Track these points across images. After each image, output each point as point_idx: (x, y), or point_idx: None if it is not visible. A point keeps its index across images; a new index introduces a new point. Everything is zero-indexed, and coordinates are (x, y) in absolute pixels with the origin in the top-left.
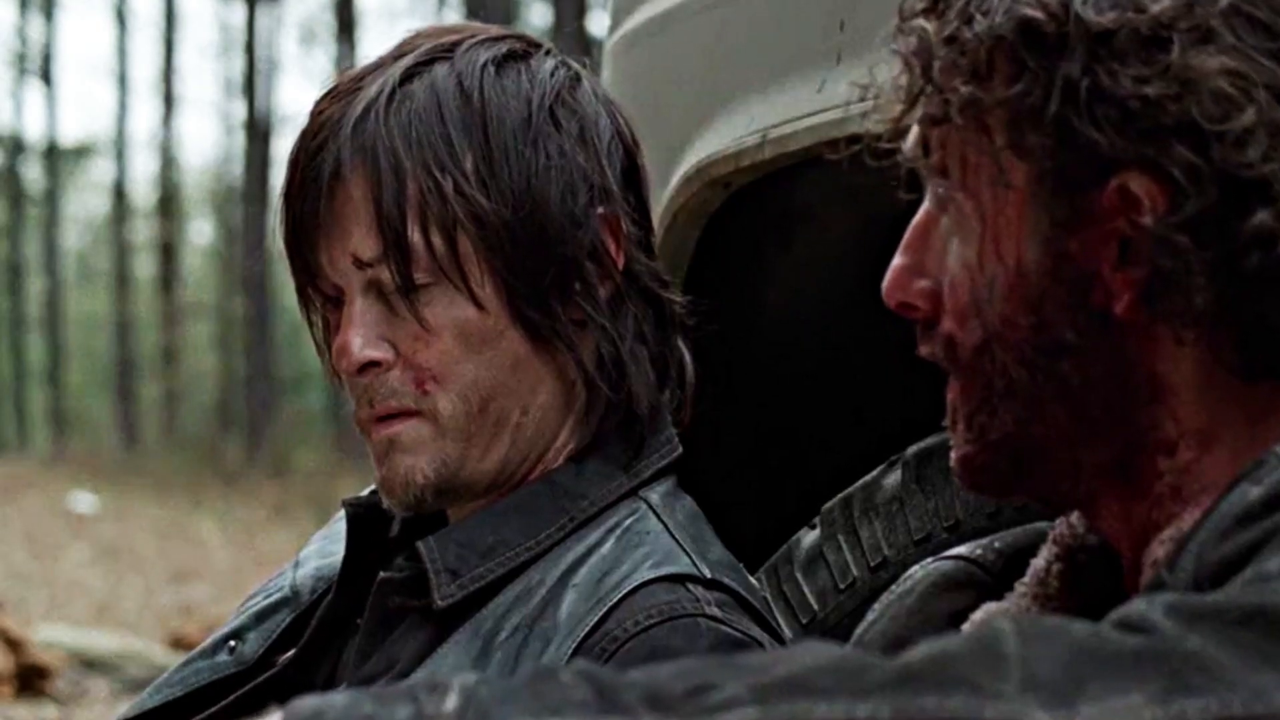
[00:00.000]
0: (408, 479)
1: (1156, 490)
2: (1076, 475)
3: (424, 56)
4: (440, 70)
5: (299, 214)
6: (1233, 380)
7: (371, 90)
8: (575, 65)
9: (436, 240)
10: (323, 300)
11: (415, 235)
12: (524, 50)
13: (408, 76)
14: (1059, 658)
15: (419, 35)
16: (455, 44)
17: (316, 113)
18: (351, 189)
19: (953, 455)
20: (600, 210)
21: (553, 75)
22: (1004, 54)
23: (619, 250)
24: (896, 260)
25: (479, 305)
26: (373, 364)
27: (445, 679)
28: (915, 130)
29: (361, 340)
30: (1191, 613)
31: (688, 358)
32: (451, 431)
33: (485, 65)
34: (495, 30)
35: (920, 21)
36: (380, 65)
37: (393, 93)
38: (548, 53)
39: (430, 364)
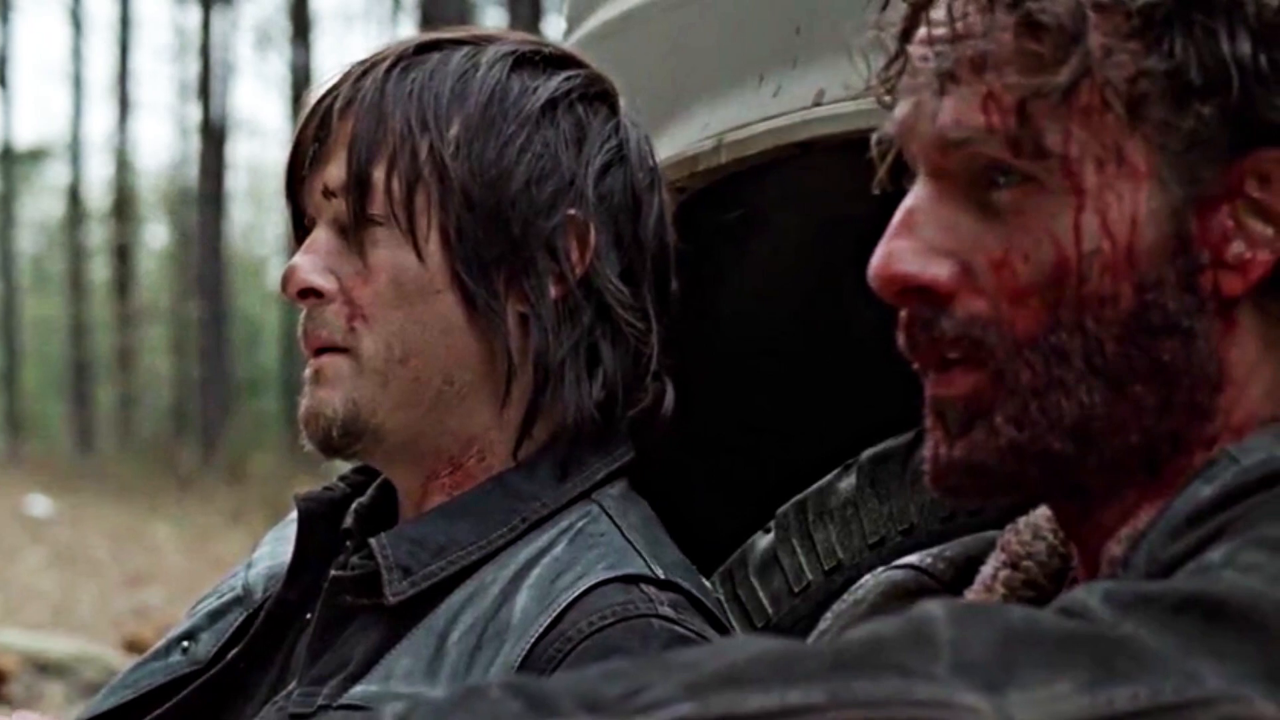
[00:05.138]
0: (319, 411)
1: (1179, 485)
2: (1124, 465)
3: (457, 36)
4: (463, 50)
5: (296, 150)
6: (1278, 374)
7: (390, 52)
8: (616, 106)
9: (396, 185)
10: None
11: (378, 174)
12: (557, 62)
13: (430, 47)
14: (990, 640)
15: (483, 29)
16: (496, 38)
17: (338, 75)
18: (340, 128)
19: (969, 452)
20: (571, 211)
21: (569, 81)
22: (1162, 21)
23: (581, 257)
24: (899, 241)
25: (420, 257)
26: (314, 292)
27: (379, 709)
28: (955, 102)
29: (309, 266)
30: (1127, 600)
31: (668, 391)
32: (369, 373)
33: (506, 55)
34: (553, 47)
35: None
36: (398, 43)
37: (404, 54)
38: (595, 87)
39: (363, 302)
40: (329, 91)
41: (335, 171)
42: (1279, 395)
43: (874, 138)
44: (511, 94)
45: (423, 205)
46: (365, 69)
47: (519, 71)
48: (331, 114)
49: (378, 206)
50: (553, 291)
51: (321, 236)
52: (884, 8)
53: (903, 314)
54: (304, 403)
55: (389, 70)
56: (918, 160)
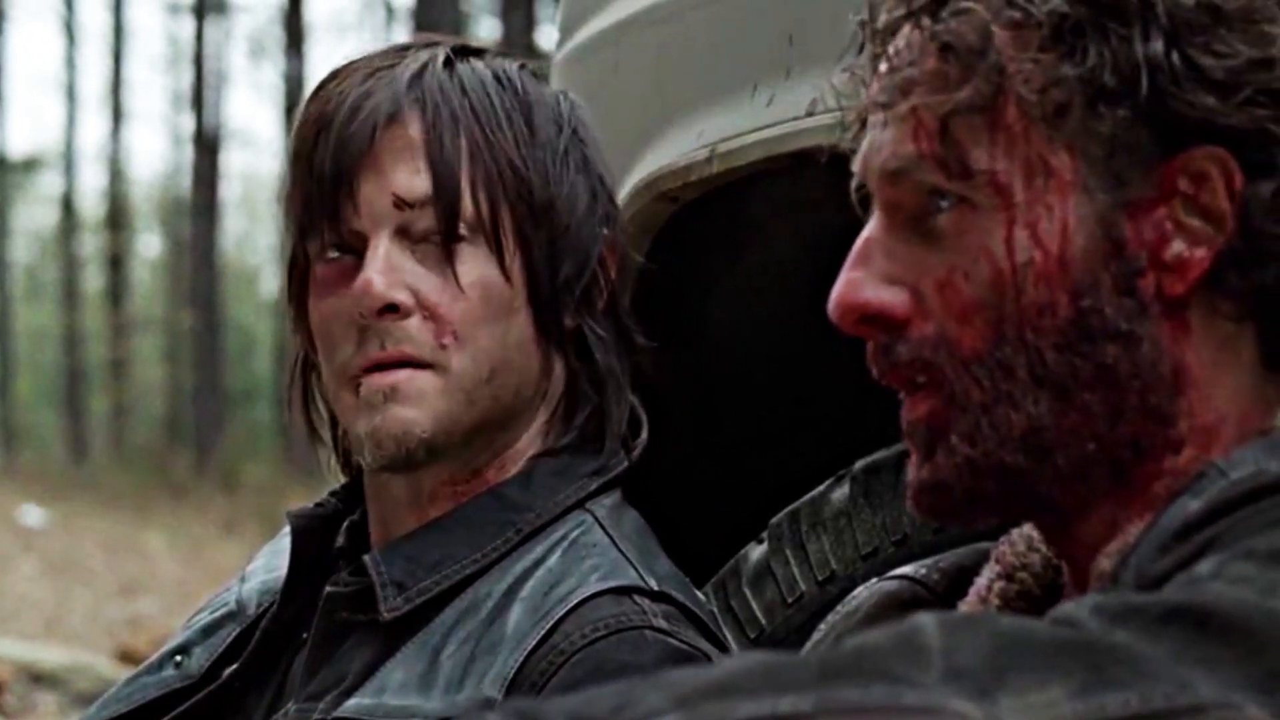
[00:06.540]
0: (405, 431)
1: (1154, 491)
2: (1085, 475)
3: (457, 45)
4: (479, 62)
5: (338, 153)
6: (1244, 374)
7: (421, 57)
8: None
9: (482, 197)
10: (321, 249)
11: (465, 184)
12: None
13: (455, 54)
14: (981, 648)
15: (431, 37)
16: (483, 50)
17: (354, 76)
18: (408, 130)
19: (934, 473)
20: (605, 231)
21: (568, 96)
22: (1072, 30)
23: (617, 277)
24: (853, 273)
25: (506, 275)
26: (392, 308)
27: None
28: (893, 133)
29: (386, 281)
30: (1116, 610)
31: (639, 407)
32: (457, 390)
33: (522, 68)
34: (533, 64)
35: (967, 3)
36: (408, 48)
37: (446, 61)
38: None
39: (454, 319)
40: (366, 97)
41: (413, 181)
42: (1245, 397)
43: (853, 185)
44: (550, 112)
45: (505, 223)
46: (411, 76)
47: (539, 84)
48: (394, 120)
49: (466, 219)
50: (600, 309)
51: (389, 249)
52: (860, 53)
53: (869, 346)
54: (374, 421)
55: (440, 76)
56: (874, 195)
